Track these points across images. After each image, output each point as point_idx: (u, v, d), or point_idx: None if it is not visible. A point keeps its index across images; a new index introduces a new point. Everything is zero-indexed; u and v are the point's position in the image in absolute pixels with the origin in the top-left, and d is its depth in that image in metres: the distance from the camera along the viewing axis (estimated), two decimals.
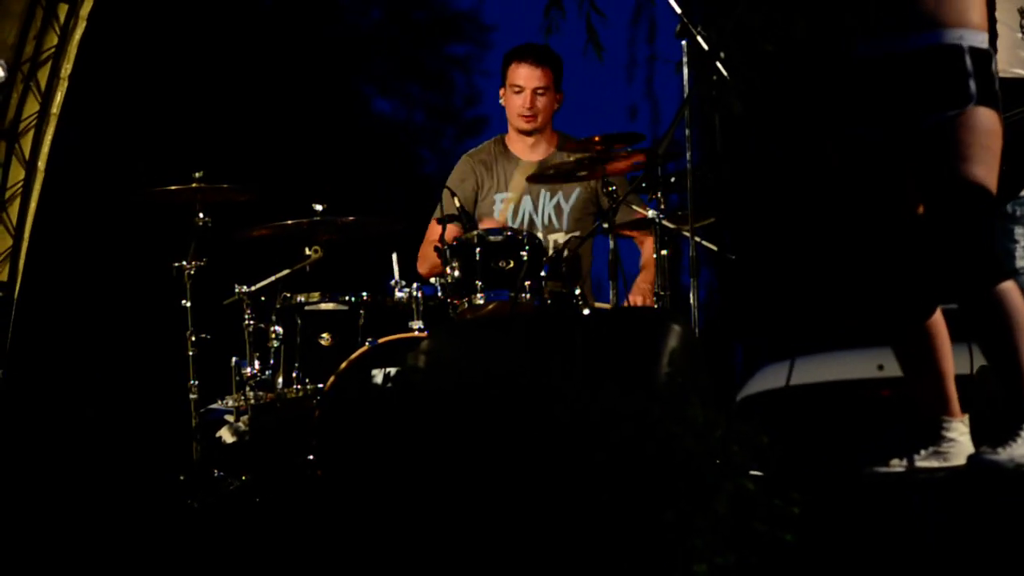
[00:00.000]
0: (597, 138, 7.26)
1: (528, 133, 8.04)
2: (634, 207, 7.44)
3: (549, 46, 8.11)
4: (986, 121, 5.47)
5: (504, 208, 7.98)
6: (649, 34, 18.78)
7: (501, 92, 8.11)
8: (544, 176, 7.76)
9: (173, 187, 7.66)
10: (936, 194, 5.51)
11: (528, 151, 8.06)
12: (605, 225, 7.32)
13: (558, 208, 7.95)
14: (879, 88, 5.62)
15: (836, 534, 4.72)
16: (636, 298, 7.68)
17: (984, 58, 5.51)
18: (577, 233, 7.80)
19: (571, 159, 7.60)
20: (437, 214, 7.93)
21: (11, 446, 5.13)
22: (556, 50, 8.23)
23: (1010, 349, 5.48)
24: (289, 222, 7.68)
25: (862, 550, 4.75)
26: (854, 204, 5.79)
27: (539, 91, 8.03)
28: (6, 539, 4.65)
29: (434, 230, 7.86)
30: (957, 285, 5.56)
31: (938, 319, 5.72)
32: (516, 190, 8.02)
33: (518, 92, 8.04)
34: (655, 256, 7.24)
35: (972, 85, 5.45)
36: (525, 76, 8.05)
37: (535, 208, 7.97)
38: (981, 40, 5.52)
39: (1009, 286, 5.53)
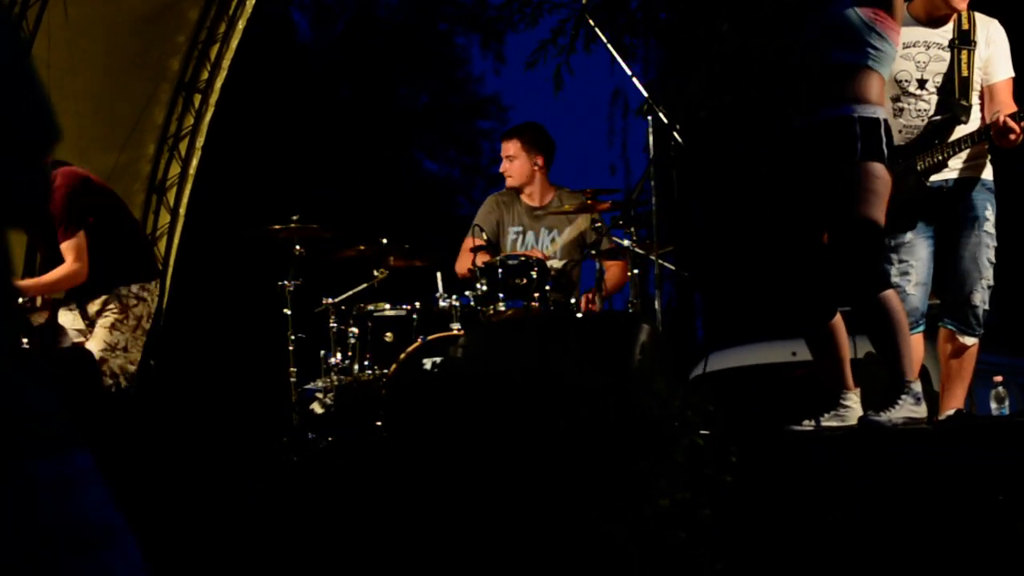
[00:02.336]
0: (588, 191, 7.26)
1: (520, 187, 7.96)
2: (613, 239, 7.41)
3: (529, 123, 8.09)
4: (873, 172, 5.47)
5: (517, 239, 7.94)
6: (623, 110, 18.82)
7: None
8: (545, 217, 7.79)
9: (277, 226, 7.63)
10: (836, 226, 5.52)
11: (531, 199, 7.99)
12: (593, 252, 7.32)
13: (553, 241, 7.91)
14: (804, 149, 5.65)
15: (764, 477, 4.69)
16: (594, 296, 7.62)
17: (871, 124, 5.51)
18: (566, 260, 7.76)
19: (565, 206, 7.60)
20: (467, 240, 7.91)
21: (160, 415, 5.11)
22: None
23: (891, 339, 5.50)
24: (362, 250, 7.66)
25: (782, 488, 4.72)
26: (781, 234, 5.81)
27: (509, 158, 7.94)
28: (155, 481, 4.64)
29: (467, 241, 7.84)
30: (853, 293, 5.57)
31: (838, 318, 5.73)
32: (524, 226, 7.97)
33: (501, 160, 8.02)
34: (629, 274, 7.22)
35: (859, 146, 5.45)
36: (504, 148, 8.00)
37: (536, 240, 7.92)
38: (872, 111, 5.52)
39: (890, 294, 5.55)
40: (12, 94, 2.38)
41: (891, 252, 6.01)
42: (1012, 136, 5.85)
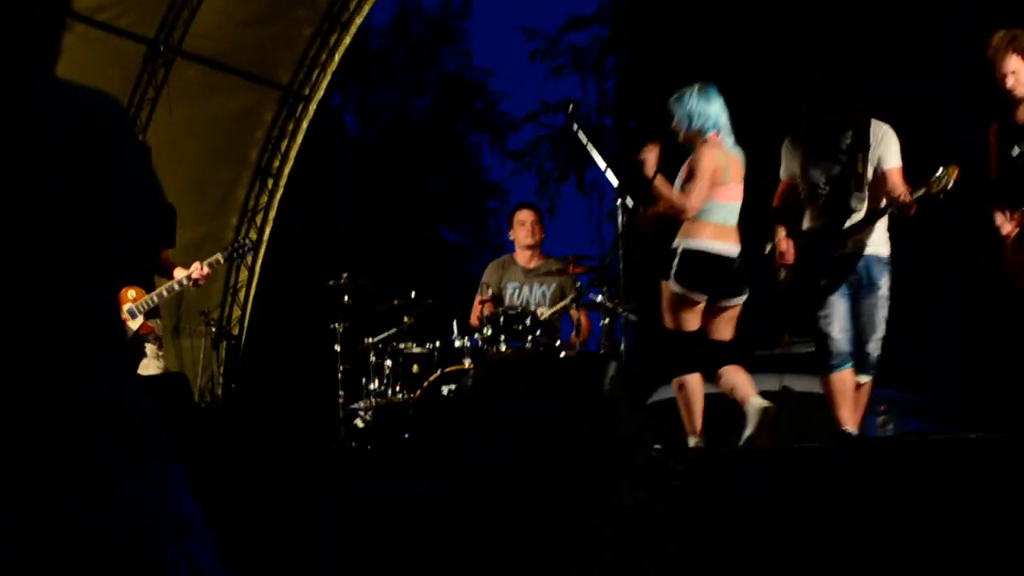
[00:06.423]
0: (570, 257, 7.35)
1: (531, 247, 8.05)
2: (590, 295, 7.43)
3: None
4: None
5: (514, 292, 7.99)
6: (599, 196, 18.91)
7: (510, 232, 8.14)
8: (536, 276, 7.84)
9: (331, 282, 7.70)
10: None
11: (526, 262, 8.06)
12: (573, 307, 7.38)
13: (543, 294, 7.95)
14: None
15: (707, 479, 4.71)
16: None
17: None
18: (555, 309, 7.78)
19: (553, 268, 7.68)
20: (478, 297, 7.97)
21: (238, 428, 5.13)
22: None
23: None
24: (396, 302, 7.71)
25: (717, 489, 4.74)
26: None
27: (536, 222, 8.06)
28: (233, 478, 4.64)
29: (477, 298, 7.93)
30: None
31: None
32: (520, 282, 8.02)
33: (522, 224, 8.05)
34: (602, 323, 7.22)
35: None
36: (526, 216, 8.08)
37: (530, 293, 7.98)
38: None
39: None
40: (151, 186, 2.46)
41: (817, 308, 6.00)
42: (911, 211, 5.82)
